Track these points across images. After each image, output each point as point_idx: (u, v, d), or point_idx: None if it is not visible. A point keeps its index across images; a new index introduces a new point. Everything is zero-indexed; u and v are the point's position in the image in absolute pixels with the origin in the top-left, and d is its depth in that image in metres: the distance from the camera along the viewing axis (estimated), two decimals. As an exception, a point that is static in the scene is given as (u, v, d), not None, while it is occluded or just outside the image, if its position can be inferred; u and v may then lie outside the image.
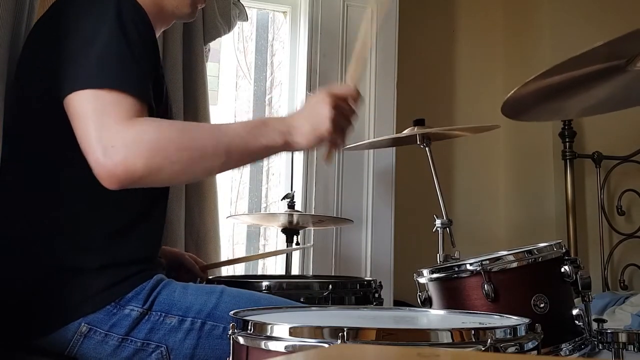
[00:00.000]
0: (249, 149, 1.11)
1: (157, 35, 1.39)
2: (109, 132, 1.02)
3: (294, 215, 1.96)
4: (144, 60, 1.13)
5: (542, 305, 1.27)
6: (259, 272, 2.54)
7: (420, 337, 0.78)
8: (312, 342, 0.76)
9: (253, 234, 2.73)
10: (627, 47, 0.97)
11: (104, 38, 1.09)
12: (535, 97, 1.15)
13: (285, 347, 0.78)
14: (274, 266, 2.54)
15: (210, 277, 1.60)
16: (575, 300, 1.39)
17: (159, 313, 1.15)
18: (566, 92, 1.15)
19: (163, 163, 1.04)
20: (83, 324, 1.12)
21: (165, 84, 1.32)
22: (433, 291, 1.41)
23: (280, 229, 2.04)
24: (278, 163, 2.65)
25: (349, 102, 1.16)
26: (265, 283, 1.40)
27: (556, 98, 1.20)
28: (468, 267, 1.32)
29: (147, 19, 1.17)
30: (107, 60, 1.08)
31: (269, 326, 0.80)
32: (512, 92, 1.10)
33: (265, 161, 2.73)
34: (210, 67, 2.40)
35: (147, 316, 1.15)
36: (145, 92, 1.10)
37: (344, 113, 1.15)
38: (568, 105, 1.27)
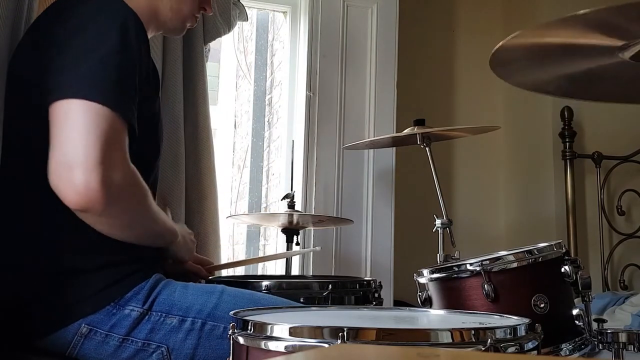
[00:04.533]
0: (155, 233, 1.23)
1: None
2: (108, 154, 1.02)
3: (294, 215, 1.96)
4: (136, 79, 1.13)
5: (542, 305, 1.27)
6: (259, 272, 2.54)
7: (420, 337, 0.78)
8: (312, 342, 0.76)
9: (253, 234, 2.73)
10: (622, 25, 0.97)
11: (106, 50, 1.08)
12: (526, 54, 1.13)
13: (285, 347, 0.78)
14: (274, 266, 2.54)
15: (210, 277, 1.60)
16: (575, 300, 1.39)
17: (159, 313, 1.16)
18: (557, 59, 1.14)
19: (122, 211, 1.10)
20: (83, 324, 1.12)
21: (159, 101, 1.34)
22: (433, 291, 1.41)
23: (280, 229, 2.04)
24: (278, 163, 2.65)
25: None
26: (265, 283, 1.40)
27: (546, 62, 1.17)
28: (468, 267, 1.31)
29: (145, 34, 1.18)
30: (104, 75, 1.07)
31: (269, 326, 0.80)
32: (505, 40, 1.06)
33: (265, 161, 2.74)
34: (210, 67, 2.40)
35: (147, 316, 1.15)
36: (131, 114, 1.10)
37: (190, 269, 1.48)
38: (557, 75, 1.25)
